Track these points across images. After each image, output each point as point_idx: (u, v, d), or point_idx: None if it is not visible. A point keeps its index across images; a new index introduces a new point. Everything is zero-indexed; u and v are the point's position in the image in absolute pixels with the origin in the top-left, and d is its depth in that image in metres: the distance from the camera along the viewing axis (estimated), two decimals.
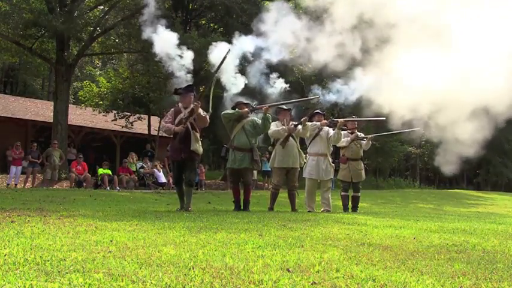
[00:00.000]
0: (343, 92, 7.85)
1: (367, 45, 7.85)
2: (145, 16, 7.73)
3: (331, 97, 7.95)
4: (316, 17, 8.27)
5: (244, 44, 7.12)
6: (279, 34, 7.45)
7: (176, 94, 6.75)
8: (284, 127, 7.52)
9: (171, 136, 6.70)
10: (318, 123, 7.86)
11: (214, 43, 7.22)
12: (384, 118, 8.06)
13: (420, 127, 8.41)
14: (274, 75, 7.54)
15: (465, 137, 7.46)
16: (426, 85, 7.22)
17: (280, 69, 7.88)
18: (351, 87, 7.79)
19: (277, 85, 7.44)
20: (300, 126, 7.51)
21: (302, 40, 7.74)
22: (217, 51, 6.81)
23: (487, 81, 6.90)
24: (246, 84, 7.20)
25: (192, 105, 6.45)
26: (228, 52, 6.40)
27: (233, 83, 6.94)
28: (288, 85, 7.82)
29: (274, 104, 7.42)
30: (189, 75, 7.06)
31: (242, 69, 7.26)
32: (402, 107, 7.45)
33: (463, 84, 7.05)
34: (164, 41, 6.94)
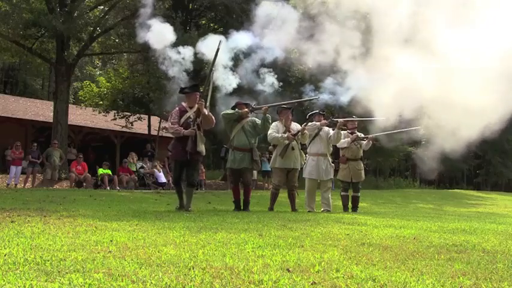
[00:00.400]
0: (336, 92, 7.85)
1: (361, 45, 7.85)
2: (141, 18, 7.61)
3: (324, 97, 7.95)
4: (311, 17, 8.29)
5: (237, 40, 7.08)
6: (273, 31, 7.45)
7: (182, 93, 6.73)
8: (284, 135, 7.50)
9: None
10: (318, 123, 7.86)
11: (202, 38, 7.19)
12: (384, 118, 8.05)
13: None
14: (264, 69, 7.50)
15: (451, 139, 7.53)
16: (416, 86, 7.26)
17: (273, 66, 7.84)
18: (344, 87, 7.80)
19: (268, 80, 7.41)
20: (299, 134, 7.54)
21: (296, 38, 7.75)
22: (210, 45, 6.78)
23: (474, 83, 6.96)
24: (240, 84, 7.16)
25: (196, 105, 6.43)
26: (220, 44, 6.37)
27: (224, 80, 6.89)
28: (281, 83, 7.79)
29: (273, 104, 7.41)
30: (184, 73, 7.04)
31: (235, 67, 7.23)
32: (391, 106, 7.49)
33: (449, 86, 7.12)
34: (160, 34, 6.90)
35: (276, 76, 7.53)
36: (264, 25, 7.49)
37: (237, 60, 7.46)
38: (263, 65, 7.64)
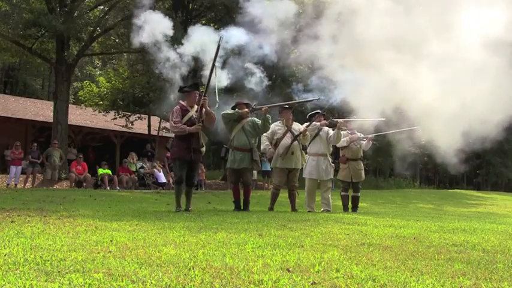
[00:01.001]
0: (330, 92, 7.85)
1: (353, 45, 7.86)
2: (137, 19, 7.45)
3: (310, 96, 7.95)
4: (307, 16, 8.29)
5: (230, 37, 7.04)
6: (268, 29, 7.43)
7: (181, 92, 6.70)
8: (272, 149, 7.55)
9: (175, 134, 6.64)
10: (318, 123, 7.86)
11: (191, 27, 7.16)
12: (384, 119, 8.06)
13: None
14: (251, 65, 7.47)
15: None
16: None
17: (269, 65, 7.82)
18: (334, 88, 7.80)
19: (257, 75, 7.38)
20: (300, 136, 7.56)
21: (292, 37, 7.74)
22: (197, 40, 6.78)
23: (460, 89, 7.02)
24: (232, 83, 7.13)
25: (201, 101, 6.39)
26: (220, 40, 6.35)
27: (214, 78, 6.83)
28: (270, 82, 7.79)
29: (274, 104, 7.41)
30: (182, 73, 7.01)
31: (226, 65, 7.20)
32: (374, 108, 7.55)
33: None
34: (155, 26, 6.89)
35: (265, 74, 7.48)
36: (258, 22, 7.46)
37: (227, 58, 7.43)
38: (256, 63, 7.61)
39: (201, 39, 6.79)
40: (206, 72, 6.75)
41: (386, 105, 7.54)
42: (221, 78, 6.77)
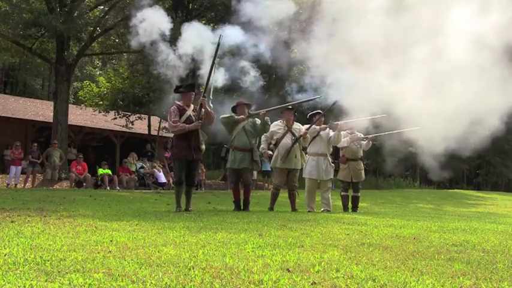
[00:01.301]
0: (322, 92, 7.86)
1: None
2: (137, 18, 7.39)
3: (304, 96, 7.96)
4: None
5: (228, 36, 7.02)
6: (266, 28, 7.44)
7: (177, 92, 6.70)
8: (267, 151, 7.70)
9: (174, 134, 6.64)
10: (318, 127, 7.84)
11: (187, 23, 7.17)
12: (384, 115, 8.05)
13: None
14: (245, 63, 7.45)
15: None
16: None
17: (260, 64, 7.80)
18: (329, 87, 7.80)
19: (255, 75, 7.38)
20: (300, 138, 7.58)
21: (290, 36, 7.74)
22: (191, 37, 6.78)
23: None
24: (228, 82, 7.12)
25: (199, 100, 6.40)
26: (220, 38, 6.34)
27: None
28: (264, 82, 7.80)
29: (270, 108, 7.36)
30: (181, 73, 7.00)
31: (222, 64, 7.20)
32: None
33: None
34: (153, 23, 6.88)
35: (262, 74, 7.48)
36: (256, 22, 7.46)
37: (224, 57, 7.42)
38: (253, 62, 7.60)
39: (196, 36, 6.78)
40: (203, 72, 6.76)
41: (383, 106, 7.55)
42: (218, 78, 6.78)
